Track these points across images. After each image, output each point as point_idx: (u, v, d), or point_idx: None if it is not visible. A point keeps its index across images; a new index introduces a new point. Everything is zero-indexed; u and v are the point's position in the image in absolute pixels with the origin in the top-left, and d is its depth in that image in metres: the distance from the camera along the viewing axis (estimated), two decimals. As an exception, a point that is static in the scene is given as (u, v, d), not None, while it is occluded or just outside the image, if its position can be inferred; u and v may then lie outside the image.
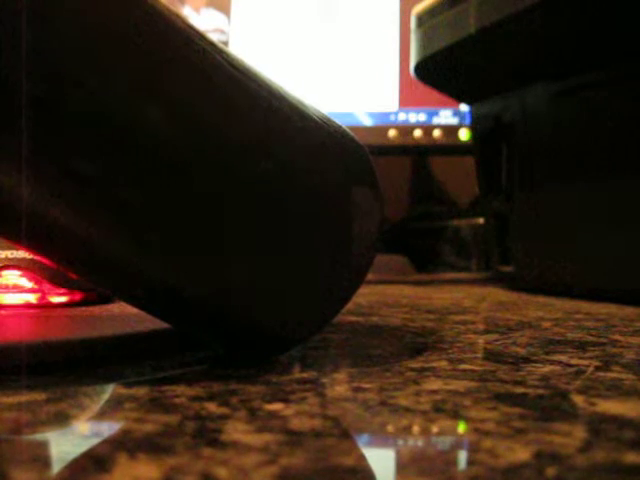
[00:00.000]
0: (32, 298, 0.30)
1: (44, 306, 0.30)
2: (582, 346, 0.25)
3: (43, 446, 0.13)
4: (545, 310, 0.38)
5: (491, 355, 0.23)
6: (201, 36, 0.18)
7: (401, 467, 0.12)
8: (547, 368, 0.20)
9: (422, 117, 0.77)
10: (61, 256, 0.18)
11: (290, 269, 0.19)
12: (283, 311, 0.20)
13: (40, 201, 0.16)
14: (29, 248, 0.18)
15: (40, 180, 0.16)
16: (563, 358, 0.22)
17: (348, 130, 0.22)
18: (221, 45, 0.19)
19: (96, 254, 0.17)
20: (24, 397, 0.16)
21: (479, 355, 0.23)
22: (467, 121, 0.76)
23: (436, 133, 0.77)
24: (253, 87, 0.19)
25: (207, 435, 0.13)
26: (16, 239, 0.17)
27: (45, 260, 0.18)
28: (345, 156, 0.21)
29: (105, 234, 0.17)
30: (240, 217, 0.18)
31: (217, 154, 0.17)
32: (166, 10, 0.18)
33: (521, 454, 0.12)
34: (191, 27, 0.18)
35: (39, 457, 0.12)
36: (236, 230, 0.18)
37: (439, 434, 0.14)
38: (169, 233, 0.17)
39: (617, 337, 0.27)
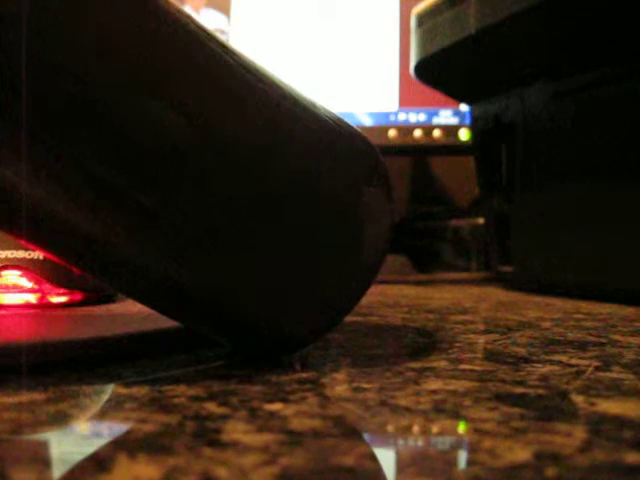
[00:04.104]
0: (32, 298, 0.30)
1: (44, 306, 0.30)
2: (582, 346, 0.25)
3: (43, 446, 0.13)
4: (545, 310, 0.38)
5: (491, 355, 0.23)
6: (212, 37, 0.18)
7: (401, 467, 0.12)
8: (547, 368, 0.20)
9: (422, 117, 0.77)
10: (71, 254, 0.18)
11: (301, 269, 0.19)
12: (293, 311, 0.20)
13: (52, 201, 0.16)
14: (38, 245, 0.18)
15: (53, 181, 0.16)
16: (563, 358, 0.22)
17: (360, 131, 0.22)
18: (232, 46, 0.19)
19: (104, 252, 0.17)
20: (24, 397, 0.16)
21: (479, 355, 0.23)
22: (467, 121, 0.76)
23: (436, 133, 0.77)
24: (264, 88, 0.19)
25: (207, 435, 0.13)
26: (25, 236, 0.17)
27: (54, 258, 0.18)
28: (356, 157, 0.21)
29: (114, 233, 0.17)
30: (250, 217, 0.18)
31: (226, 155, 0.17)
32: (177, 12, 0.18)
33: (521, 454, 0.12)
34: (202, 29, 0.18)
35: (39, 457, 0.12)
36: (245, 230, 0.18)
37: (439, 434, 0.14)
38: (178, 232, 0.17)
39: (617, 337, 0.27)
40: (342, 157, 0.20)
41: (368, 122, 0.78)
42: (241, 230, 0.18)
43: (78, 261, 0.18)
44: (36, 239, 0.18)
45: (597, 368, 0.20)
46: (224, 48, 0.18)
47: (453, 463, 0.12)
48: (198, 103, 0.17)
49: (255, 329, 0.20)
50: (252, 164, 0.18)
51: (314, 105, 0.20)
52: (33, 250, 0.30)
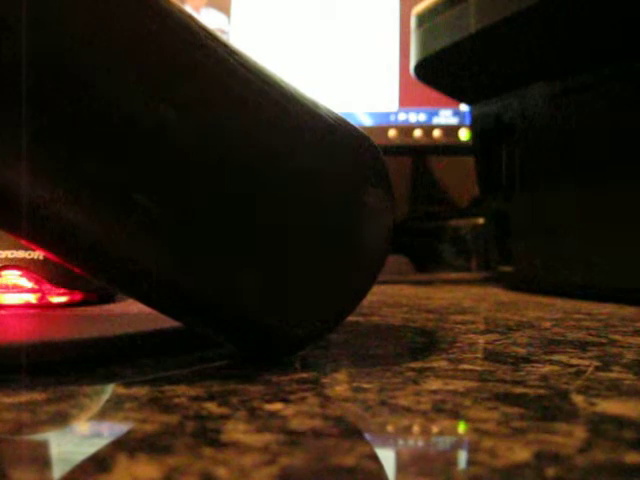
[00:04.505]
0: (32, 298, 0.30)
1: (44, 306, 0.30)
2: (582, 346, 0.25)
3: (43, 446, 0.13)
4: (545, 310, 0.38)
5: (491, 355, 0.23)
6: (214, 38, 0.18)
7: (401, 467, 0.12)
8: (547, 368, 0.20)
9: (422, 117, 0.77)
10: (74, 256, 0.18)
11: (302, 269, 0.19)
12: (294, 312, 0.20)
13: (54, 203, 0.16)
14: (41, 247, 0.18)
15: (55, 183, 0.16)
16: (563, 358, 0.22)
17: (362, 131, 0.22)
18: (234, 46, 0.19)
19: (105, 253, 0.17)
20: (24, 397, 0.16)
21: (479, 355, 0.23)
22: (467, 121, 0.76)
23: (436, 133, 0.77)
24: (265, 88, 0.19)
25: (207, 435, 0.13)
26: (30, 238, 0.17)
27: (55, 258, 0.18)
28: (358, 157, 0.21)
29: (114, 234, 0.17)
30: (251, 217, 0.18)
31: (228, 156, 0.17)
32: (180, 12, 0.18)
33: (521, 454, 0.12)
34: (204, 29, 0.18)
35: (39, 457, 0.12)
36: (247, 230, 0.18)
37: (439, 434, 0.14)
38: (179, 233, 0.17)
39: (617, 337, 0.27)
40: (344, 157, 0.20)
41: (368, 122, 0.78)
42: (242, 230, 0.18)
43: (78, 262, 0.18)
44: (36, 239, 0.18)
45: (597, 368, 0.20)
46: (225, 48, 0.18)
47: (453, 463, 0.12)
48: (199, 103, 0.17)
49: (256, 330, 0.20)
50: (253, 164, 0.18)
51: (316, 105, 0.20)
52: (33, 250, 0.30)
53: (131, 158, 0.16)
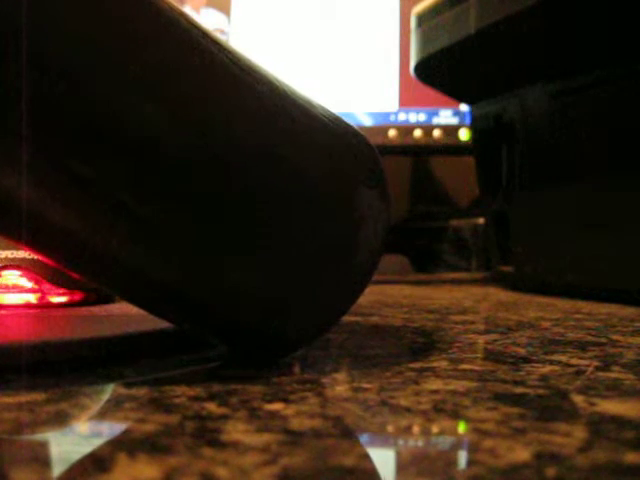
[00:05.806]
0: (32, 298, 0.29)
1: (44, 306, 0.30)
2: (582, 346, 0.25)
3: (43, 446, 0.13)
4: (545, 310, 0.38)
5: (491, 355, 0.23)
6: (206, 35, 0.18)
7: (401, 467, 0.12)
8: (547, 368, 0.20)
9: (422, 117, 0.77)
10: (64, 258, 0.18)
11: (294, 271, 0.19)
12: (287, 313, 0.20)
13: (40, 203, 0.16)
14: (30, 248, 0.18)
15: (40, 183, 0.16)
16: (563, 358, 0.22)
17: (358, 130, 0.22)
18: (226, 44, 0.19)
19: (99, 256, 0.17)
20: (24, 397, 0.16)
21: (479, 355, 0.23)
22: (467, 121, 0.76)
23: (436, 133, 0.77)
24: (258, 87, 0.19)
25: (207, 435, 0.13)
26: (17, 239, 0.17)
27: (48, 260, 0.18)
28: (353, 157, 0.21)
29: (108, 236, 0.17)
30: (243, 218, 0.18)
31: (220, 155, 0.17)
32: (170, 9, 0.18)
33: (521, 454, 0.12)
34: (196, 26, 0.18)
35: (39, 457, 0.12)
36: (239, 231, 0.18)
37: (439, 434, 0.14)
38: (172, 235, 0.17)
39: (617, 337, 0.27)
40: (339, 157, 0.20)
41: (368, 122, 0.78)
42: (237, 231, 0.18)
43: (72, 265, 0.18)
44: (31, 244, 0.18)
45: (597, 368, 0.20)
46: (219, 46, 0.18)
47: (453, 463, 0.12)
48: (192, 104, 0.17)
49: (252, 330, 0.19)
50: (246, 164, 0.18)
51: (311, 104, 0.20)
52: (33, 250, 0.30)
53: (121, 161, 0.16)
